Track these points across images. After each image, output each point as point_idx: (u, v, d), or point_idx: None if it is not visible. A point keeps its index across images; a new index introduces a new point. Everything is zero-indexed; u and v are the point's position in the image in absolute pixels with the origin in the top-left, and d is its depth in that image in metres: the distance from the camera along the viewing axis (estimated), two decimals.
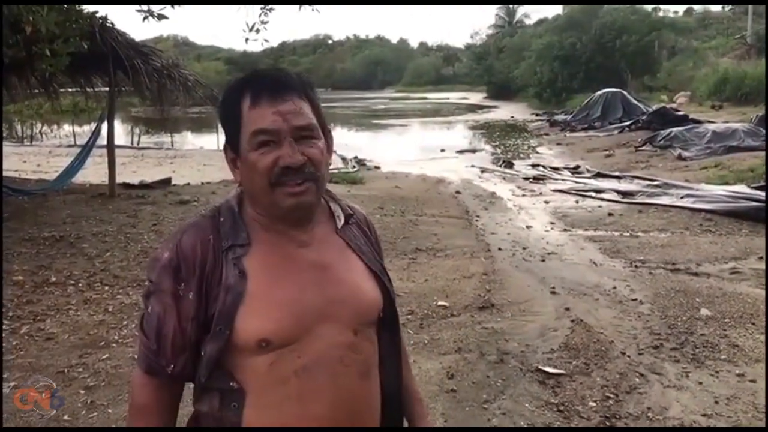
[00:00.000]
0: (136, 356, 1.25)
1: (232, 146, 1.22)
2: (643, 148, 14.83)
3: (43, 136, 22.19)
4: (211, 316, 1.15)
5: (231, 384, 1.16)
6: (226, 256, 1.17)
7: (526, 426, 3.14)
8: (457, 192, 10.40)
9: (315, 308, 1.18)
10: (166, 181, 10.48)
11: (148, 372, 1.20)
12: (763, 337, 4.09)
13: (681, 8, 50.42)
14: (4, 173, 9.69)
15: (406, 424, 1.41)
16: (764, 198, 7.68)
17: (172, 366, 1.18)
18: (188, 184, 10.80)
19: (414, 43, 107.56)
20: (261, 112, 1.16)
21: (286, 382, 1.15)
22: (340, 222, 1.30)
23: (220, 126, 1.28)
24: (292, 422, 1.15)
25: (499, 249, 6.58)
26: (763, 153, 10.68)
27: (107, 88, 9.72)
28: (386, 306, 1.29)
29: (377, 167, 13.94)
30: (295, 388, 1.15)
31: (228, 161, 1.24)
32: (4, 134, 19.09)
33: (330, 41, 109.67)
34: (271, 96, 1.16)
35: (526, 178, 11.86)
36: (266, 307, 1.15)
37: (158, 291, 1.18)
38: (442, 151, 17.08)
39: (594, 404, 3.32)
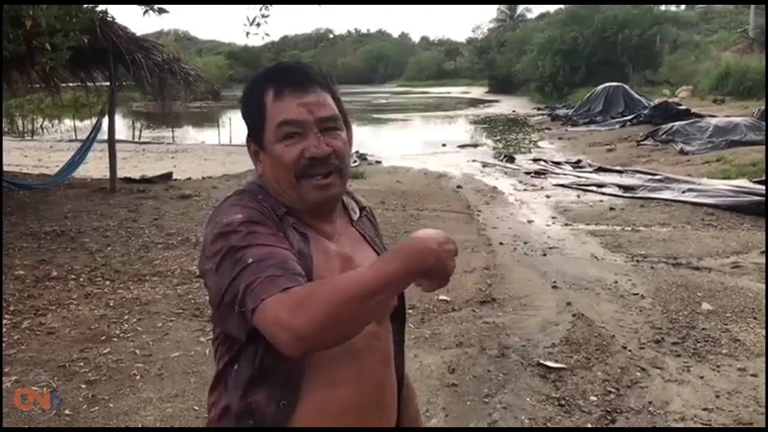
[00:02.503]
0: (261, 297, 1.01)
1: (255, 139, 1.21)
2: (645, 142, 14.79)
3: (44, 130, 22.13)
4: None
5: None
6: (285, 221, 1.17)
7: (527, 420, 3.14)
8: (459, 186, 10.39)
9: None
10: (167, 176, 10.48)
11: (289, 285, 1.02)
12: (764, 332, 4.08)
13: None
14: (5, 168, 9.71)
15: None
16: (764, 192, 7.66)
17: (302, 278, 1.06)
18: (189, 178, 10.81)
19: (415, 38, 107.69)
20: (286, 104, 1.16)
21: (320, 369, 1.16)
22: (356, 215, 1.33)
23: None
24: (321, 406, 1.16)
25: (501, 243, 6.58)
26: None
27: (108, 83, 9.72)
28: (399, 296, 1.32)
29: (378, 162, 13.92)
30: (327, 374, 1.16)
31: (251, 154, 1.24)
32: (5, 129, 19.09)
33: (331, 35, 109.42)
34: (294, 88, 1.17)
35: (528, 173, 11.84)
36: None
37: (252, 234, 1.08)
38: (444, 145, 17.06)
39: (595, 398, 3.32)
